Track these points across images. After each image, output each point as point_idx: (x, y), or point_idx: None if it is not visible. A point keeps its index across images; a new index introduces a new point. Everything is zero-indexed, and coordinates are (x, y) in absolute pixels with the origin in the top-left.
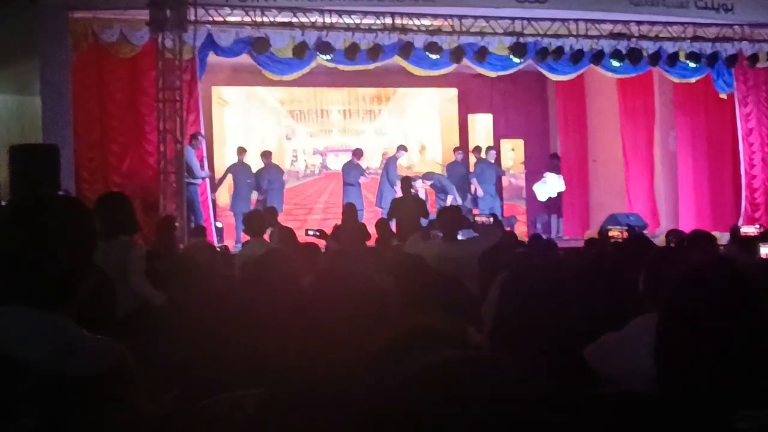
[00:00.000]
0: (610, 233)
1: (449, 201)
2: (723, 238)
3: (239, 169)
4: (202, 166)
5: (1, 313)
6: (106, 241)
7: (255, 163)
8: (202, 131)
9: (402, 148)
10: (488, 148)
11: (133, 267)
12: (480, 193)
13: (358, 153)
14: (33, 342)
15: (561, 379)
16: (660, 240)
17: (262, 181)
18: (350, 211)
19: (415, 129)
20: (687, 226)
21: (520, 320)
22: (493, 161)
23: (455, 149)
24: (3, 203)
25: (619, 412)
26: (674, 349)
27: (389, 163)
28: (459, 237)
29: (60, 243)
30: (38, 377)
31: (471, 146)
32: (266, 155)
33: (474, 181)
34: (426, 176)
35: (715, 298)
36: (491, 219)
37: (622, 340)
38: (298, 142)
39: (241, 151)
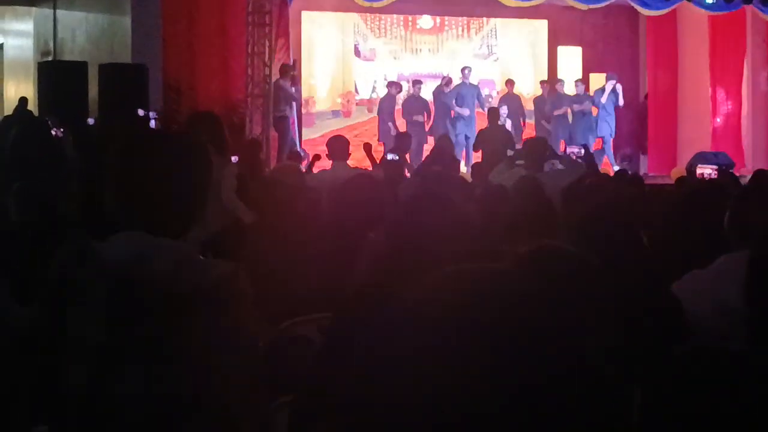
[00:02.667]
0: (699, 171)
1: None
2: None
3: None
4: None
5: (126, 237)
6: None
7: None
8: (291, 57)
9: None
10: (577, 81)
11: (224, 184)
12: None
13: (447, 81)
14: (151, 260)
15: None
16: (746, 181)
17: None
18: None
19: (504, 61)
20: None
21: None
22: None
23: (542, 82)
24: (92, 120)
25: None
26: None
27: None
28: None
29: (181, 178)
30: (155, 291)
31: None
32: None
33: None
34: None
35: None
36: (582, 151)
37: (711, 278)
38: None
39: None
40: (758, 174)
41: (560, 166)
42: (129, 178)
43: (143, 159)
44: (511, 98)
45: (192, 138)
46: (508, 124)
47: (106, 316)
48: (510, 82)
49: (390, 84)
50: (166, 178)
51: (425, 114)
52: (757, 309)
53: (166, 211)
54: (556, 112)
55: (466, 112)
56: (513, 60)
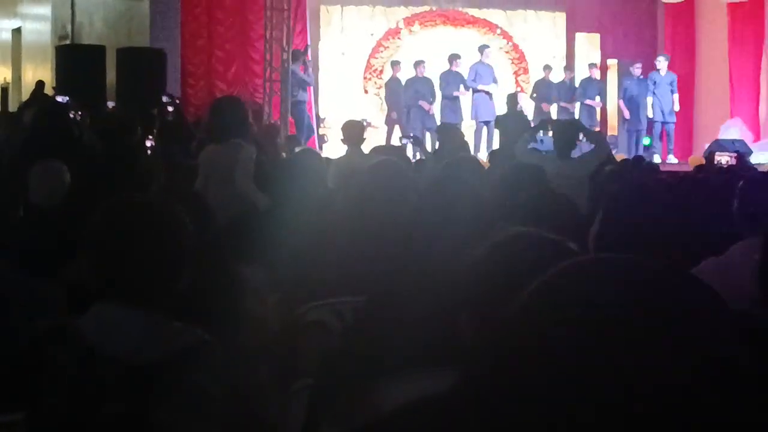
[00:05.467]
0: (717, 158)
1: None
2: None
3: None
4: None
5: (98, 310)
6: (218, 144)
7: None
8: (309, 42)
9: (485, 46)
10: (590, 65)
11: (240, 168)
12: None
13: (453, 59)
14: (122, 338)
15: None
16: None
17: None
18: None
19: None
20: None
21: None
22: (598, 78)
23: (564, 68)
24: (111, 104)
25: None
26: None
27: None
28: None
29: (156, 248)
30: (121, 369)
31: (578, 65)
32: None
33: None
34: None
35: None
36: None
37: (726, 266)
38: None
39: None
40: None
41: (587, 145)
42: (105, 250)
43: (120, 231)
44: (545, 84)
45: (167, 207)
46: (554, 109)
47: (72, 395)
48: (547, 68)
49: (394, 64)
50: (141, 249)
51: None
52: None
53: (142, 281)
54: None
55: (490, 87)
56: (531, 48)
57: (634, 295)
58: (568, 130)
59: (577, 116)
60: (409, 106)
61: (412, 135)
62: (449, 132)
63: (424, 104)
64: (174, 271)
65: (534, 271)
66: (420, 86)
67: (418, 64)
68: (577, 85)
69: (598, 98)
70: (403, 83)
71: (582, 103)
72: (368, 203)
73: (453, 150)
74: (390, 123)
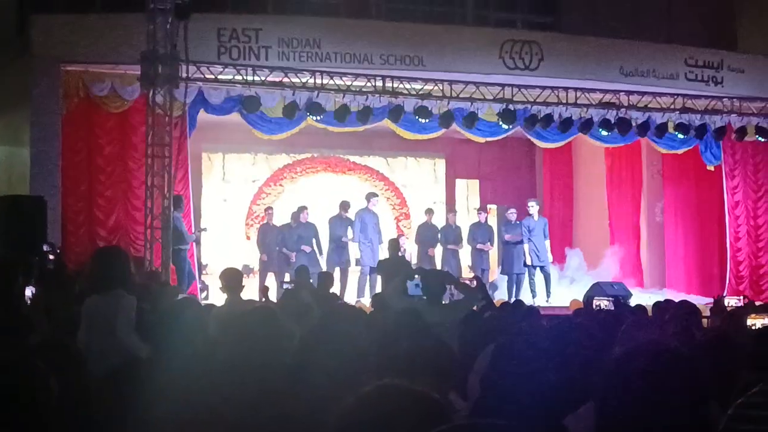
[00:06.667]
0: (596, 303)
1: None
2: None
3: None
4: (189, 229)
5: None
6: (100, 294)
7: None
8: (191, 189)
9: (372, 195)
10: (478, 210)
11: (121, 318)
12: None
13: (344, 206)
14: None
15: None
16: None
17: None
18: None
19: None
20: (674, 296)
21: (510, 389)
22: (485, 222)
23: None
24: None
25: None
26: None
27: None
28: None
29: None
30: None
31: (459, 210)
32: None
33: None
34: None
35: (641, 391)
36: (474, 282)
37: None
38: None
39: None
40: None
41: (457, 295)
42: None
43: None
44: (428, 227)
45: (32, 370)
46: (439, 252)
47: None
48: (429, 212)
49: (266, 209)
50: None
51: (314, 242)
52: None
53: None
54: (507, 237)
55: (374, 238)
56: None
57: None
58: (435, 279)
59: (469, 260)
60: (296, 250)
61: (290, 280)
62: (326, 279)
63: (306, 248)
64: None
65: (398, 424)
66: (303, 231)
67: (301, 210)
68: (465, 229)
69: (488, 243)
70: (280, 228)
71: (473, 248)
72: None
73: (330, 297)
74: (263, 267)
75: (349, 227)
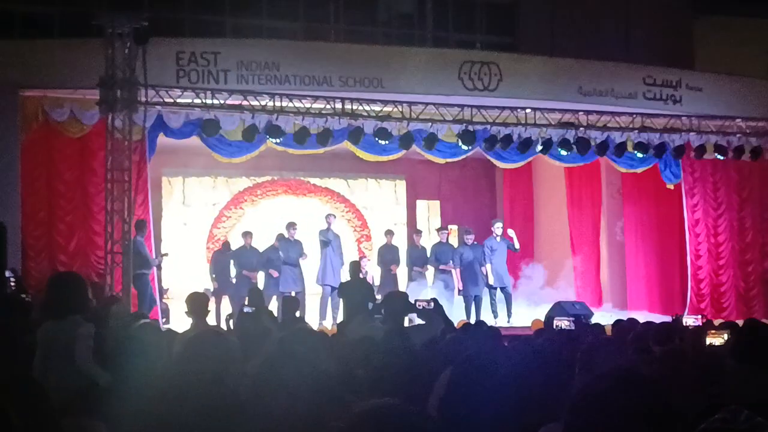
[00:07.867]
0: (556, 323)
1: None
2: None
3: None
4: (151, 253)
5: None
6: (56, 321)
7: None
8: (151, 213)
9: (331, 215)
10: (440, 231)
11: (79, 345)
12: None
13: (291, 227)
14: None
15: None
16: (608, 328)
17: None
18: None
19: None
20: (635, 314)
21: (466, 414)
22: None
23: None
24: None
25: None
26: None
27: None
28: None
29: None
30: None
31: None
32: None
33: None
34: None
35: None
36: (431, 304)
37: None
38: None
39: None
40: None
41: (417, 319)
42: None
43: None
44: (389, 248)
45: None
46: (369, 277)
47: None
48: (390, 233)
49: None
50: None
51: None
52: None
53: None
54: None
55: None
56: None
57: None
58: (397, 301)
59: (431, 281)
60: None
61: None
62: (290, 304)
63: (249, 274)
64: None
65: None
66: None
67: (246, 235)
68: (428, 250)
69: (451, 262)
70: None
71: (437, 269)
72: (188, 377)
73: (293, 320)
74: (217, 292)
75: (301, 250)
